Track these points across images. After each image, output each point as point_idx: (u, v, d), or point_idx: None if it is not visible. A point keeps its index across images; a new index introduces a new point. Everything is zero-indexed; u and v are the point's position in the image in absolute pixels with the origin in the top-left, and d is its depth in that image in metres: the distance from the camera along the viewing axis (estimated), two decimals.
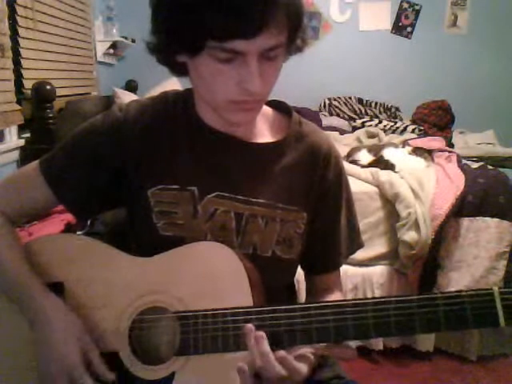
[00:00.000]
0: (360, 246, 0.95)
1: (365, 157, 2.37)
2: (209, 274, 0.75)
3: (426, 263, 1.99)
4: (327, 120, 3.59)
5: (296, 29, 0.73)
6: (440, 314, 0.68)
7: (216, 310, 0.72)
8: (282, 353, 0.67)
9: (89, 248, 0.82)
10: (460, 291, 0.69)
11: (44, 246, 0.83)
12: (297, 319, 0.70)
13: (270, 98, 0.81)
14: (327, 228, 0.90)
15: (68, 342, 0.72)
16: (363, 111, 3.73)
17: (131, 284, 0.77)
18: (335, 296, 0.91)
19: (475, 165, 2.27)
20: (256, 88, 0.69)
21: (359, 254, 2.12)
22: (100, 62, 3.39)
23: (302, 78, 3.65)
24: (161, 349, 0.75)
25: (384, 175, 2.12)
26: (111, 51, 3.51)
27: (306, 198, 0.85)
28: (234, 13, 0.64)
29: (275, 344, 0.70)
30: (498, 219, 1.99)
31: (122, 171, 0.83)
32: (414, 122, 3.50)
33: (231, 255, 0.75)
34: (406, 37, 3.93)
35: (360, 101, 3.81)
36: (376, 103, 3.78)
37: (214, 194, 0.81)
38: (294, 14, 0.70)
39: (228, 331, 0.71)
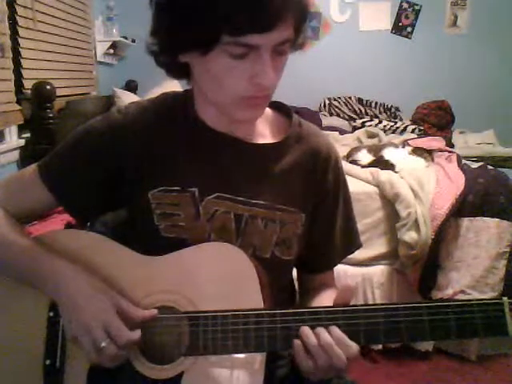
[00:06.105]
0: (358, 246, 0.96)
1: (365, 157, 2.37)
2: (219, 274, 0.75)
3: (426, 263, 1.98)
4: (327, 120, 3.59)
5: (302, 23, 0.74)
6: (450, 323, 0.68)
7: (226, 310, 0.72)
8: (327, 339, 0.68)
9: (95, 244, 0.81)
10: (470, 300, 0.69)
11: (49, 240, 0.81)
12: (307, 322, 0.71)
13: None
14: (325, 229, 0.90)
15: (96, 294, 0.73)
16: (363, 111, 3.73)
17: (139, 282, 0.77)
18: (330, 292, 0.92)
19: (475, 165, 2.27)
20: (269, 82, 0.70)
21: (359, 254, 2.14)
22: (100, 62, 3.39)
23: (302, 78, 3.64)
24: (169, 348, 0.74)
25: (384, 175, 2.12)
26: (111, 51, 3.51)
27: (304, 199, 0.85)
28: (252, 7, 0.64)
29: (285, 347, 0.71)
30: (497, 219, 1.98)
31: (121, 173, 0.82)
32: (414, 122, 3.50)
33: (241, 256, 0.75)
34: (406, 37, 3.93)
35: (360, 101, 3.81)
36: (376, 103, 3.78)
37: (214, 195, 0.80)
38: (300, 6, 0.72)
39: (238, 332, 0.71)
